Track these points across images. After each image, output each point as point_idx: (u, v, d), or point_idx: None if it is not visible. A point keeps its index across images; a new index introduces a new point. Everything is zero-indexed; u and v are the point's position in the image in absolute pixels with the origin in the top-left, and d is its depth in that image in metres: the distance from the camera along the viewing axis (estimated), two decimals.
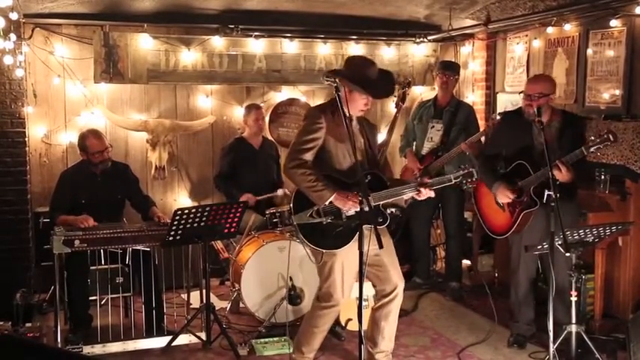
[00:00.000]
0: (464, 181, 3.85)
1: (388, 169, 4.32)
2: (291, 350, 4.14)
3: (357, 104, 3.79)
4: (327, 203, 3.70)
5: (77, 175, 4.89)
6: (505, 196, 4.29)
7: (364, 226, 3.43)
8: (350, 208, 3.70)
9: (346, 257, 3.79)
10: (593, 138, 3.92)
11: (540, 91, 4.16)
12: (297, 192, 3.82)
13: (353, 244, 3.70)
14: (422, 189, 3.78)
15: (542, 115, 4.00)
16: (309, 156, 3.77)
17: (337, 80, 3.59)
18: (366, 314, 4.16)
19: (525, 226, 4.28)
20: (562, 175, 3.95)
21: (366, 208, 3.54)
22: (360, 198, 3.50)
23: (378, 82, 3.81)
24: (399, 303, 4.05)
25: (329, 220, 3.74)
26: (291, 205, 3.84)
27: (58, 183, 4.92)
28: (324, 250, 3.81)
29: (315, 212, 3.75)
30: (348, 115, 3.53)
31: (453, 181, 3.86)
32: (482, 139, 5.58)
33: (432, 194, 3.84)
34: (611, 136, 3.83)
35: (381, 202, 3.79)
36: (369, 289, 4.27)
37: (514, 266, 4.46)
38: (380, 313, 4.01)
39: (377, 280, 4.00)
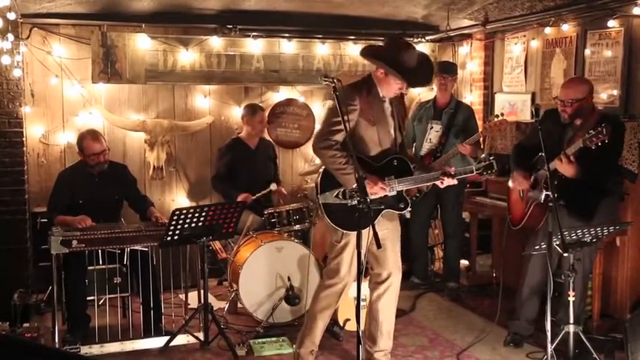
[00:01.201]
0: (484, 172, 3.93)
1: None
2: (293, 348, 4.15)
3: (392, 87, 3.80)
4: (354, 186, 3.71)
5: (75, 175, 4.89)
6: (519, 183, 4.37)
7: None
8: (376, 192, 3.74)
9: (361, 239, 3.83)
10: (589, 131, 3.91)
11: (573, 97, 4.15)
12: (325, 171, 3.85)
13: (365, 230, 3.75)
14: (445, 178, 3.84)
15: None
16: (339, 137, 3.76)
17: (335, 80, 3.60)
18: (364, 314, 4.17)
19: (541, 222, 4.28)
20: (562, 166, 3.96)
21: (391, 193, 3.70)
22: (387, 184, 3.71)
23: (416, 70, 3.78)
24: (395, 295, 4.06)
25: (353, 203, 3.76)
26: (318, 183, 3.88)
27: (55, 183, 4.92)
28: (343, 231, 3.84)
29: (341, 193, 3.79)
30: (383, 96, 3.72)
31: (475, 172, 3.94)
32: (481, 139, 5.58)
33: (455, 182, 3.91)
34: (604, 130, 3.82)
35: (404, 188, 3.84)
36: (367, 289, 4.27)
37: (525, 265, 4.46)
38: (376, 305, 4.03)
39: (374, 262, 4.03)
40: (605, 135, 3.81)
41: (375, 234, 3.33)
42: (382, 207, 3.79)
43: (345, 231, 3.85)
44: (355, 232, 3.77)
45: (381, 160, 3.83)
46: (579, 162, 3.99)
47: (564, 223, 3.71)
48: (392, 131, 3.91)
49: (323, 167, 3.89)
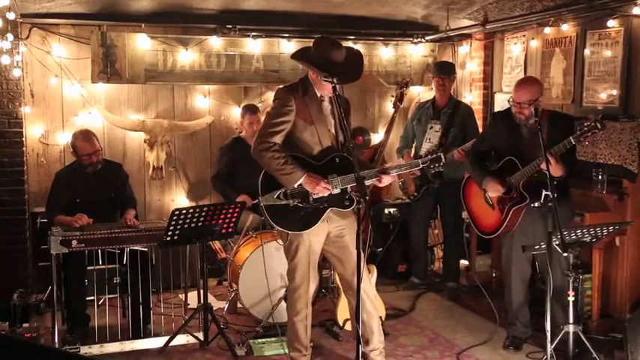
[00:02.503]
0: (431, 166, 3.87)
1: None
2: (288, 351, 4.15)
3: (325, 87, 3.78)
4: (295, 186, 3.72)
5: (71, 174, 4.91)
6: (495, 190, 4.29)
7: (331, 209, 3.57)
8: (319, 192, 3.73)
9: (312, 238, 3.85)
10: (580, 127, 3.89)
11: (530, 98, 4.14)
12: (265, 173, 3.85)
13: (319, 226, 3.78)
14: (383, 176, 3.81)
15: (538, 115, 4.01)
16: (277, 139, 3.79)
17: (334, 80, 3.60)
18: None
19: (516, 225, 4.27)
20: (551, 167, 3.90)
21: (335, 191, 3.67)
22: (329, 184, 3.68)
23: (344, 66, 3.77)
24: (371, 288, 4.03)
25: (295, 203, 3.75)
26: (259, 186, 3.87)
27: (53, 183, 4.93)
28: (289, 232, 3.85)
29: (282, 194, 3.78)
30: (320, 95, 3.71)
31: (421, 166, 3.89)
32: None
33: (393, 179, 3.91)
34: (598, 124, 3.79)
35: (348, 186, 3.79)
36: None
37: (506, 267, 4.46)
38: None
39: (338, 263, 4.02)
40: (602, 128, 3.80)
41: (358, 233, 3.34)
42: (325, 206, 3.76)
43: (290, 232, 3.86)
44: (302, 232, 3.82)
45: (322, 159, 3.81)
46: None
47: (543, 223, 3.70)
48: (332, 130, 3.89)
49: (263, 170, 3.87)
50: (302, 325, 4.02)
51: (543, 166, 3.90)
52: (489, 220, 4.45)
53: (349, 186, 3.79)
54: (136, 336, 4.55)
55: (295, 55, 3.94)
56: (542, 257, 3.85)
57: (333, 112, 3.90)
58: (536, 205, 3.92)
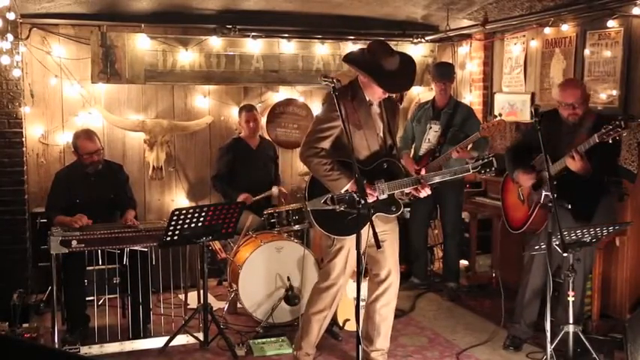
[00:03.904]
0: (483, 171, 3.83)
1: None
2: (292, 350, 4.15)
3: (376, 92, 3.79)
4: (342, 191, 3.72)
5: (71, 175, 4.91)
6: (524, 180, 4.33)
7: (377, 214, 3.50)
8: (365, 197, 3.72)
9: (354, 243, 3.82)
10: (605, 126, 3.91)
11: (580, 97, 4.17)
12: (312, 178, 3.87)
13: (363, 231, 3.73)
14: (420, 187, 3.78)
15: (538, 115, 4.02)
16: (325, 144, 3.80)
17: (335, 80, 3.60)
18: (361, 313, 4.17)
19: (544, 224, 4.26)
20: (575, 163, 3.95)
21: (382, 197, 3.65)
22: (375, 190, 3.66)
23: (396, 76, 3.75)
24: (394, 296, 4.06)
25: (342, 209, 3.75)
26: (306, 190, 3.90)
27: (52, 183, 4.94)
28: (334, 236, 3.84)
29: (329, 199, 3.77)
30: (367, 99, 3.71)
31: (471, 171, 3.84)
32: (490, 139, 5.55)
33: (429, 192, 3.85)
34: (622, 123, 3.82)
35: (396, 192, 3.80)
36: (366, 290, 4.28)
37: (527, 265, 4.46)
38: (374, 306, 4.03)
39: (373, 263, 4.02)
40: (624, 128, 3.82)
41: (375, 234, 3.32)
42: (371, 212, 3.74)
43: (336, 236, 3.85)
44: (347, 237, 3.81)
45: (370, 164, 3.81)
46: (587, 160, 4.00)
47: (569, 225, 3.70)
48: (381, 134, 3.89)
49: (311, 175, 3.89)
50: (318, 324, 4.03)
51: (569, 162, 3.95)
52: (518, 214, 4.50)
53: (396, 192, 3.79)
54: (136, 336, 4.55)
55: (347, 58, 3.90)
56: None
57: (382, 115, 3.90)
58: (568, 206, 3.94)
